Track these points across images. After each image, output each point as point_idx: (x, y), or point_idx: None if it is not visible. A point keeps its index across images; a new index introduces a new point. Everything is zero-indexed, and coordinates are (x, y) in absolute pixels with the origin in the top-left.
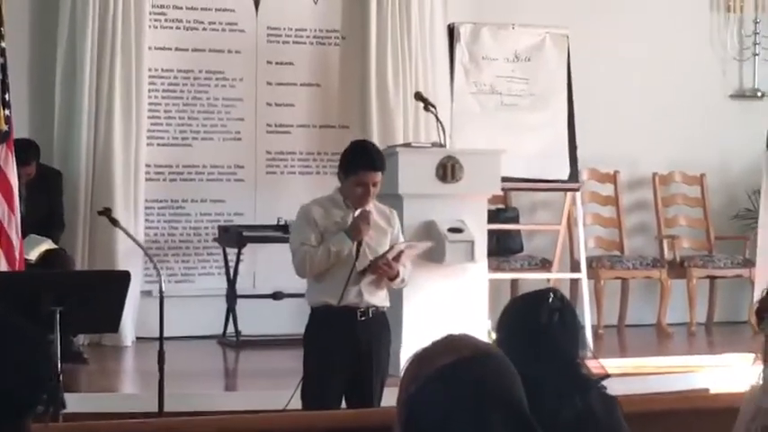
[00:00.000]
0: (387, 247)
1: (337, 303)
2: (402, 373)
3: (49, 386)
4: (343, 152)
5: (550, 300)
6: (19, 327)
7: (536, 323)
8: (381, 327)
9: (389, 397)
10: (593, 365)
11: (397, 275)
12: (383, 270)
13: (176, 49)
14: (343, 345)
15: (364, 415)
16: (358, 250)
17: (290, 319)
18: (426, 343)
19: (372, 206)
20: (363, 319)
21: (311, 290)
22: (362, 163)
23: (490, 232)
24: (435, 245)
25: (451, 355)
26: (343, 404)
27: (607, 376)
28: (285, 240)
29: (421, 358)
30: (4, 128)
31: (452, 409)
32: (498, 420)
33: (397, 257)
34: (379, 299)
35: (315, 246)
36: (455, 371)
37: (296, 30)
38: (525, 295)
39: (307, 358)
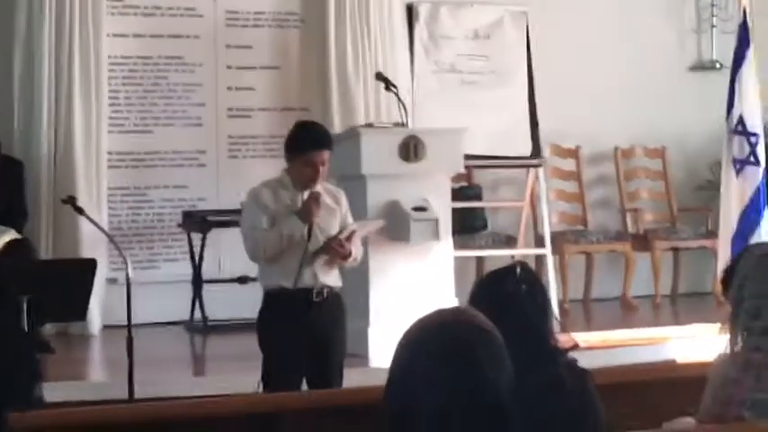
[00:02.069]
0: (336, 227)
1: (293, 286)
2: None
3: (28, 384)
4: (288, 133)
5: (517, 272)
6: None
7: (503, 295)
8: (336, 307)
9: (352, 377)
10: (563, 338)
11: (349, 255)
12: (336, 251)
13: (135, 35)
14: (299, 327)
15: (336, 395)
16: (310, 232)
17: (257, 303)
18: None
19: (321, 186)
20: (318, 300)
21: (264, 273)
22: (309, 142)
23: (454, 210)
24: (389, 223)
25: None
26: (304, 386)
27: (576, 347)
28: None
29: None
30: None
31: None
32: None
33: (350, 237)
34: (333, 279)
35: (266, 229)
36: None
37: (254, 13)
38: (494, 270)
39: (264, 342)
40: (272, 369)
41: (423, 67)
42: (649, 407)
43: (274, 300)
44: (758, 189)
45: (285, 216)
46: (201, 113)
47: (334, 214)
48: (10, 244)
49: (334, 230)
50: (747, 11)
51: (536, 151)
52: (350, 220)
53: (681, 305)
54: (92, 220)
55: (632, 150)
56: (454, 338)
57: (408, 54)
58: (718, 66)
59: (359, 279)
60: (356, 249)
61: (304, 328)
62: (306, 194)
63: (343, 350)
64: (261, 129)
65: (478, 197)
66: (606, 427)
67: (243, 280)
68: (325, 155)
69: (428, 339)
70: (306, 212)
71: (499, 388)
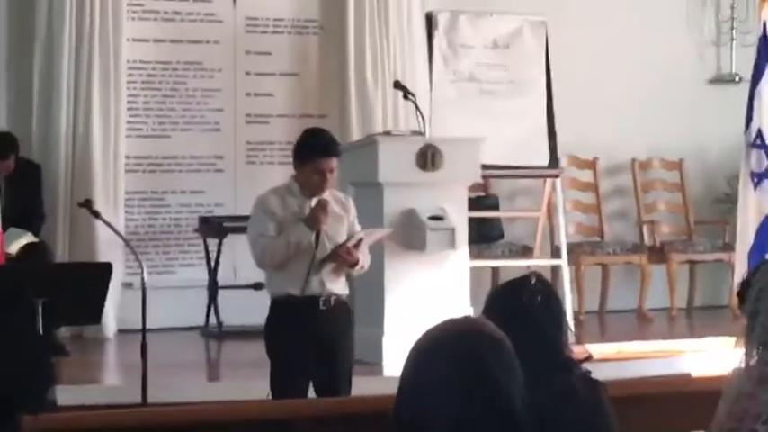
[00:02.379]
0: (344, 234)
1: (300, 293)
2: None
3: (42, 387)
4: (296, 140)
5: (532, 282)
6: (14, 332)
7: (518, 305)
8: (343, 314)
9: (366, 385)
10: (577, 350)
11: (356, 263)
12: (344, 259)
13: (154, 40)
14: (306, 334)
15: (351, 403)
16: (317, 239)
17: None
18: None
19: (328, 193)
20: (325, 307)
21: (272, 280)
22: (317, 149)
23: (471, 220)
24: (405, 232)
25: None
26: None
27: (590, 358)
28: None
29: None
30: None
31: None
32: (480, 400)
33: (357, 245)
34: (340, 286)
35: (273, 236)
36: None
37: (274, 19)
38: (509, 280)
39: (271, 349)
40: (279, 376)
41: (441, 76)
42: (663, 420)
43: (281, 307)
44: None
45: (292, 223)
46: (220, 119)
47: (342, 222)
48: (26, 247)
49: (341, 238)
50: (767, 24)
51: (553, 162)
52: (357, 227)
53: (696, 318)
54: (108, 224)
55: (650, 162)
56: (465, 347)
57: (427, 63)
58: (737, 79)
59: (374, 287)
60: (363, 257)
61: (311, 335)
62: (314, 202)
63: (351, 358)
64: (279, 135)
65: (495, 207)
66: None
67: (258, 286)
68: (334, 162)
69: (439, 349)
70: (313, 220)
71: (511, 395)
